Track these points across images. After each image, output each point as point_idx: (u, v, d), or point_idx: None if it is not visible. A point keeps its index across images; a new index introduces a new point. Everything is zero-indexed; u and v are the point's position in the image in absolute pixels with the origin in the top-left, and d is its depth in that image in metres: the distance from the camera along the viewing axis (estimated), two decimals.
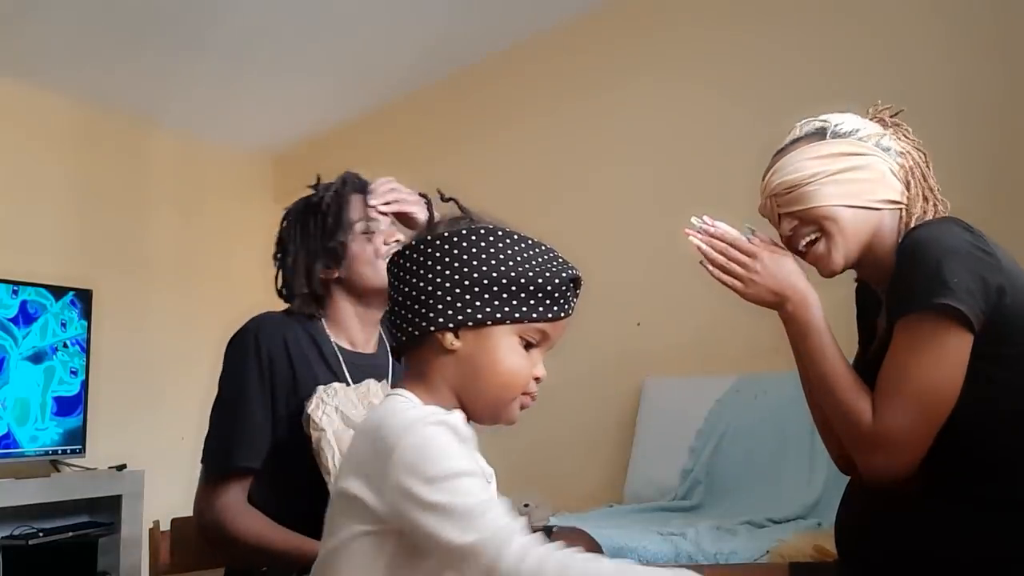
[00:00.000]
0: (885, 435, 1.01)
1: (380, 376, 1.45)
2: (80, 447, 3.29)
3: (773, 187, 1.18)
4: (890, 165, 1.14)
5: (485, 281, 0.89)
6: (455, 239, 0.92)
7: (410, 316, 0.91)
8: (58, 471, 3.23)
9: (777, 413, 2.25)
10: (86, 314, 3.40)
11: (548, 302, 0.91)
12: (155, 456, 3.28)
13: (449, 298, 0.89)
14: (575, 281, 0.95)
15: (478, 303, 0.89)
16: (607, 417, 2.89)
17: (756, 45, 2.67)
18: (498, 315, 0.89)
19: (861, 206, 1.13)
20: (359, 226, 1.50)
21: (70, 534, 3.10)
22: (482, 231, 0.95)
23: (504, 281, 0.90)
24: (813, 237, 1.15)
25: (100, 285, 3.50)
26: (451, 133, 3.65)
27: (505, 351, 0.90)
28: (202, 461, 1.31)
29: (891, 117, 1.21)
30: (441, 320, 0.88)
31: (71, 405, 3.30)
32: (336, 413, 1.39)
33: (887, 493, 1.05)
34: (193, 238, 3.96)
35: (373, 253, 1.48)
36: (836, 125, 1.17)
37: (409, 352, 0.94)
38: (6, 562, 2.91)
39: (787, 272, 1.16)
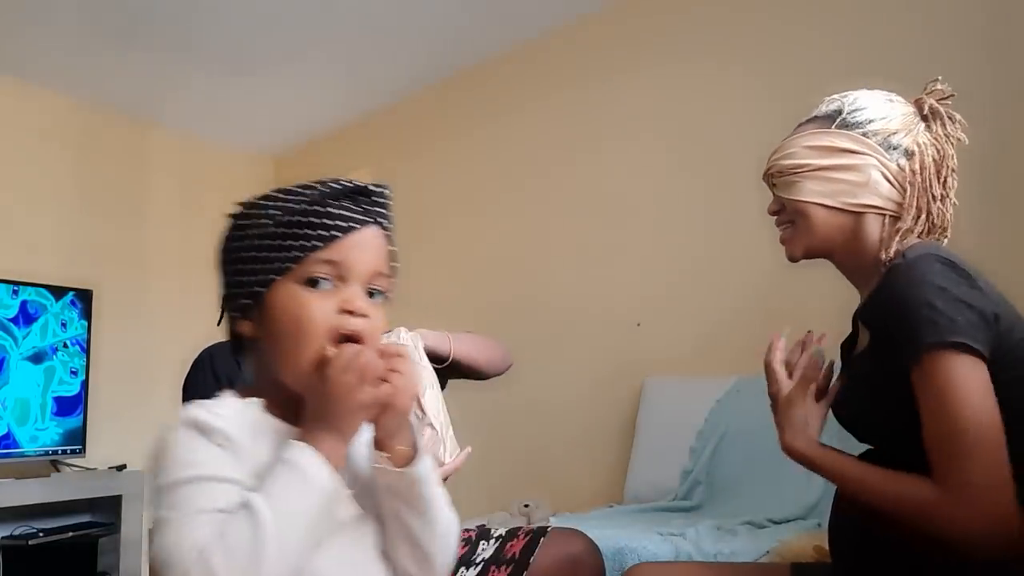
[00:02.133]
0: (968, 495, 0.92)
1: None
2: (80, 447, 3.30)
3: (768, 165, 1.21)
4: (886, 168, 1.12)
5: (237, 254, 0.87)
6: (224, 232, 0.90)
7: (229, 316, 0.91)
8: (58, 471, 3.24)
9: None
10: (86, 314, 3.40)
11: (309, 232, 0.83)
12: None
13: (226, 289, 0.88)
14: (347, 193, 0.87)
15: (239, 277, 0.86)
16: (607, 417, 2.88)
17: (763, 46, 2.66)
18: (257, 277, 0.84)
19: (835, 207, 1.13)
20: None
21: (70, 534, 3.10)
22: (231, 215, 0.90)
23: (250, 243, 0.85)
24: (787, 223, 1.20)
25: (100, 285, 3.50)
26: (452, 133, 3.65)
27: (285, 305, 0.83)
28: None
29: (941, 101, 1.17)
30: (229, 308, 0.88)
31: (71, 405, 3.30)
32: None
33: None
34: (193, 238, 3.96)
35: None
36: (851, 112, 1.15)
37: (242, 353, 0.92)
38: (6, 562, 2.92)
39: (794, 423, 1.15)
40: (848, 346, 1.23)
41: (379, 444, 0.85)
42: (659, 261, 2.85)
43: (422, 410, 1.41)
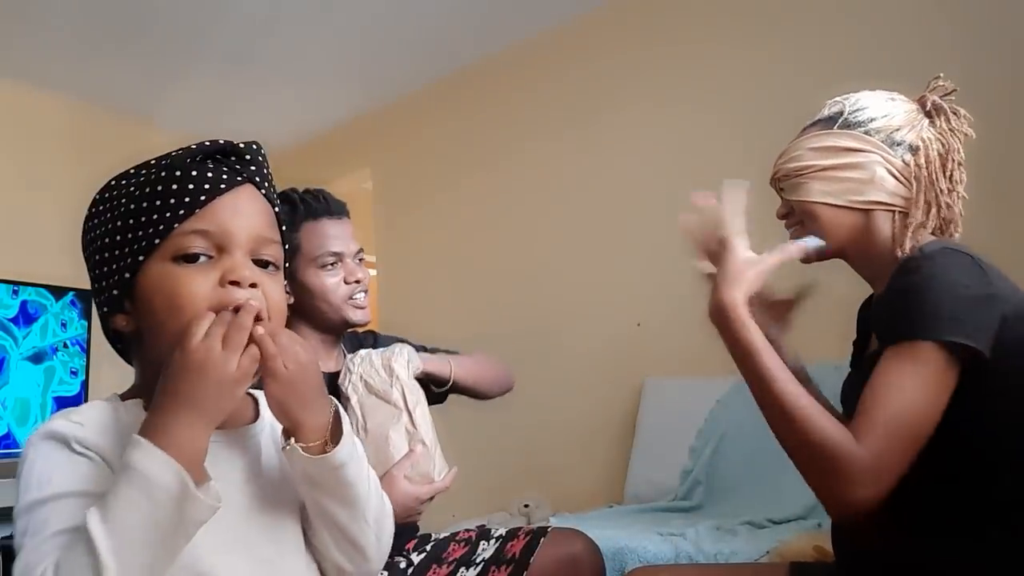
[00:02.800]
0: (871, 465, 0.92)
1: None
2: None
3: (775, 169, 1.21)
4: (891, 164, 1.12)
5: (98, 243, 0.79)
6: (84, 222, 0.84)
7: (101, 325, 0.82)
8: None
9: None
10: (86, 314, 3.40)
11: (171, 201, 0.74)
12: None
13: (94, 285, 0.81)
14: (209, 154, 0.77)
15: (104, 268, 0.78)
16: (607, 417, 2.88)
17: (764, 46, 2.66)
18: (122, 262, 0.76)
19: (842, 205, 1.14)
20: (319, 259, 1.47)
21: None
22: (94, 199, 0.84)
23: (110, 227, 0.77)
24: (797, 225, 1.20)
25: None
26: (453, 133, 3.65)
27: (157, 285, 0.74)
28: None
29: (944, 97, 1.17)
30: (100, 306, 0.80)
31: (71, 405, 3.29)
32: (360, 381, 1.41)
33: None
34: None
35: (329, 288, 1.46)
36: (852, 112, 1.15)
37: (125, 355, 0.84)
38: (6, 562, 2.91)
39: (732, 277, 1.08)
40: (860, 343, 1.23)
41: (288, 428, 0.76)
42: (659, 261, 2.85)
43: (414, 425, 1.41)
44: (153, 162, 0.79)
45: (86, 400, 3.32)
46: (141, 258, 0.75)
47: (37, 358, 3.23)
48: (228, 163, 0.78)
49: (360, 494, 0.79)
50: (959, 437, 0.97)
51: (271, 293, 0.76)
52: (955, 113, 1.16)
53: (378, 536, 0.82)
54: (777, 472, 2.18)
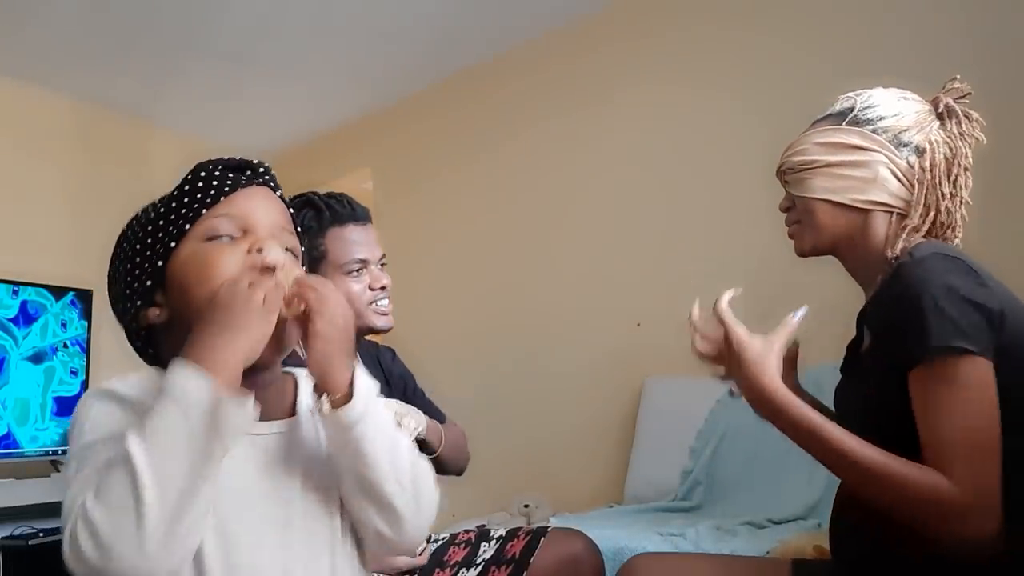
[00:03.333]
0: (974, 495, 0.91)
1: None
2: None
3: (781, 161, 1.21)
4: (895, 166, 1.12)
5: (128, 251, 0.87)
6: (114, 246, 0.93)
7: (126, 331, 0.89)
8: (58, 471, 3.23)
9: None
10: (86, 314, 3.40)
11: (198, 194, 0.83)
12: None
13: (125, 290, 0.87)
14: (229, 166, 0.87)
15: (136, 270, 0.85)
16: (607, 417, 2.89)
17: (765, 46, 2.66)
18: (155, 254, 0.83)
19: (843, 203, 1.13)
20: (346, 266, 1.48)
21: None
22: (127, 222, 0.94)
23: (140, 232, 0.86)
24: (797, 220, 1.20)
25: (100, 285, 3.48)
26: (453, 133, 3.65)
27: (189, 261, 0.81)
28: None
29: (958, 100, 1.16)
30: (130, 308, 0.86)
31: (71, 405, 3.29)
32: None
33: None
34: None
35: (354, 294, 1.46)
36: (863, 108, 1.15)
37: (155, 360, 0.90)
38: (6, 562, 2.91)
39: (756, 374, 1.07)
40: (853, 347, 1.23)
41: (317, 385, 0.80)
42: (659, 261, 2.85)
43: None
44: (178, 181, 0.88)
45: None
46: (173, 244, 0.82)
47: (37, 358, 3.23)
48: (245, 170, 0.88)
49: (384, 451, 0.81)
50: None
51: (293, 276, 0.81)
52: (967, 117, 1.15)
53: (416, 500, 0.83)
54: (777, 472, 2.19)
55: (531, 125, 3.31)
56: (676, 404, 2.61)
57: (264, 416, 0.80)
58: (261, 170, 0.89)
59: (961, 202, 1.13)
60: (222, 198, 0.83)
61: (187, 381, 0.70)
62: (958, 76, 1.19)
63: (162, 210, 0.85)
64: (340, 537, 0.84)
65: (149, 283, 0.84)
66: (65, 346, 3.32)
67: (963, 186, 1.13)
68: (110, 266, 0.91)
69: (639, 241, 2.91)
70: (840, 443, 0.99)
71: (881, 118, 1.14)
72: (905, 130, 1.13)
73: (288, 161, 4.43)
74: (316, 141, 4.28)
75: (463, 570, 1.46)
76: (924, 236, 1.11)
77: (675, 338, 2.71)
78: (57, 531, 3.23)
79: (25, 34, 3.15)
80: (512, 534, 1.52)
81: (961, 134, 1.14)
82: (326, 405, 0.79)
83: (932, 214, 1.11)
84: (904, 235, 1.11)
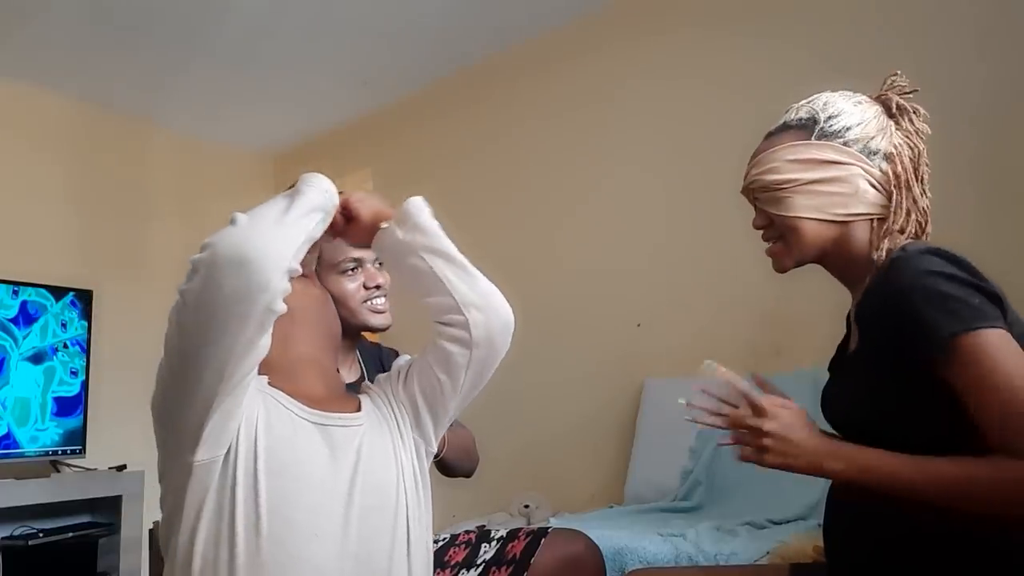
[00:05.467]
0: None
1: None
2: (80, 447, 3.29)
3: (750, 180, 1.19)
4: (871, 175, 1.12)
5: None
6: None
7: None
8: (58, 471, 3.23)
9: None
10: (86, 314, 3.40)
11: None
12: (155, 456, 3.27)
13: None
14: None
15: None
16: (607, 417, 2.88)
17: (766, 45, 2.66)
18: None
19: (827, 219, 1.13)
20: (339, 265, 1.49)
21: (70, 534, 3.10)
22: None
23: None
24: (779, 237, 1.18)
25: (100, 285, 3.50)
26: (453, 133, 3.65)
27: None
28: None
29: (903, 96, 1.16)
30: None
31: (71, 405, 3.30)
32: None
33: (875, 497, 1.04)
34: (193, 238, 3.94)
35: (348, 293, 1.47)
36: (828, 120, 1.14)
37: None
38: (6, 562, 2.91)
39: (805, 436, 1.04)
40: (842, 346, 1.23)
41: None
42: (659, 261, 2.85)
43: None
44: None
45: (86, 401, 3.32)
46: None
47: (37, 358, 3.23)
48: None
49: (455, 252, 1.14)
50: (954, 426, 0.97)
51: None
52: (916, 112, 1.16)
53: (487, 309, 1.13)
54: (777, 473, 2.18)
55: (531, 125, 3.31)
56: (676, 404, 2.61)
57: (336, 406, 1.02)
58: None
59: (926, 196, 1.14)
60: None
61: (314, 185, 1.07)
62: (899, 71, 1.19)
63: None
64: (402, 538, 0.96)
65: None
66: (65, 346, 3.32)
67: (927, 181, 1.14)
68: None
69: (639, 241, 2.91)
70: (904, 476, 0.96)
71: (848, 128, 1.13)
72: (873, 138, 1.13)
73: (288, 161, 4.43)
74: (316, 141, 4.28)
75: (463, 571, 1.45)
76: (904, 235, 1.12)
77: (675, 338, 2.74)
78: (56, 531, 3.26)
79: (25, 34, 3.15)
80: (513, 535, 1.51)
81: (916, 131, 1.15)
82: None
83: (913, 215, 1.12)
84: (888, 238, 1.11)
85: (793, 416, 1.06)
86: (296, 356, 1.06)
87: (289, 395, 0.99)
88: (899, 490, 0.97)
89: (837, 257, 1.16)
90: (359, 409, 1.07)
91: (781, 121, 1.20)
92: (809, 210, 1.13)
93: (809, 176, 1.12)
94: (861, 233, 1.13)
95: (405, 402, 1.10)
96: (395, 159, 3.90)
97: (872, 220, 1.13)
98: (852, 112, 1.15)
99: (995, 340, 0.94)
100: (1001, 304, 0.98)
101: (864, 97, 1.18)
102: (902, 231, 1.12)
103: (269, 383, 0.99)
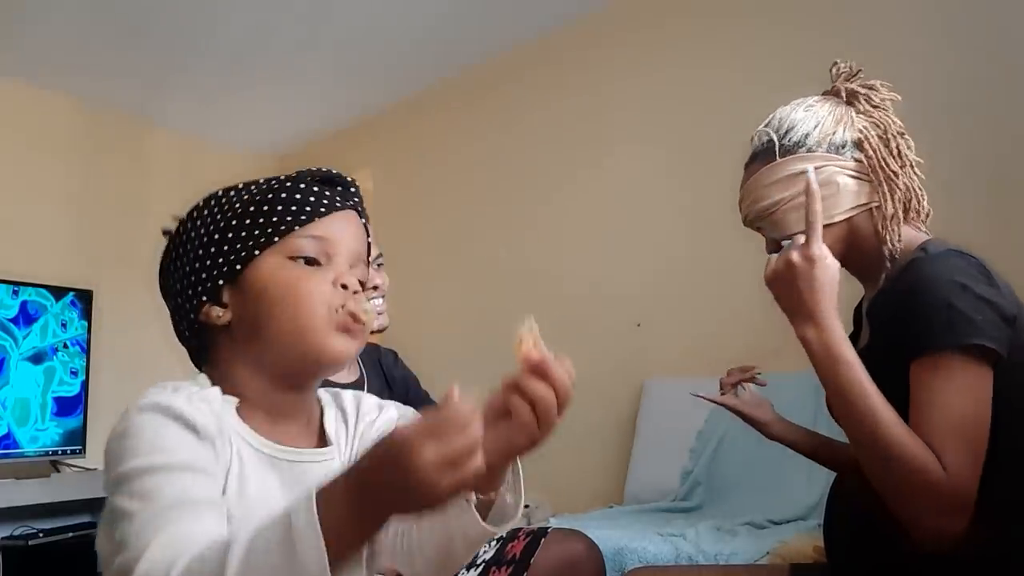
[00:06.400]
0: (963, 490, 0.91)
1: None
2: (80, 447, 3.29)
3: (745, 213, 1.21)
4: (846, 169, 1.12)
5: (203, 239, 0.82)
6: (177, 227, 0.87)
7: (175, 318, 0.85)
8: (58, 471, 3.23)
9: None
10: (86, 314, 3.40)
11: (292, 208, 0.80)
12: None
13: (189, 278, 0.82)
14: (322, 179, 0.85)
15: (207, 261, 0.81)
16: (607, 418, 2.88)
17: (767, 45, 2.66)
18: (234, 255, 0.79)
19: (825, 224, 1.13)
20: None
21: (70, 534, 3.10)
22: (195, 205, 0.88)
23: (221, 224, 0.81)
24: None
25: (100, 285, 3.50)
26: (452, 133, 3.65)
27: (274, 276, 0.78)
28: None
29: (851, 78, 1.17)
30: (191, 298, 0.81)
31: (71, 405, 3.30)
32: None
33: (875, 493, 1.04)
34: None
35: None
36: (784, 137, 1.15)
37: (200, 353, 0.85)
38: (6, 562, 2.91)
39: (822, 284, 1.03)
40: (851, 341, 1.23)
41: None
42: (659, 261, 2.85)
43: None
44: (263, 181, 0.85)
45: (86, 401, 3.32)
46: (257, 252, 0.79)
47: (37, 358, 3.23)
48: (336, 191, 0.85)
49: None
50: None
51: (370, 304, 0.84)
52: (872, 88, 1.16)
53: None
54: (777, 473, 2.19)
55: (531, 125, 3.31)
56: (676, 405, 2.60)
57: (296, 439, 0.80)
58: (352, 190, 0.87)
59: (912, 166, 1.14)
60: (316, 218, 0.81)
61: (308, 546, 0.58)
62: (837, 60, 1.20)
63: (251, 209, 0.81)
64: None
65: (221, 282, 0.80)
66: (65, 346, 3.32)
67: (907, 152, 1.13)
68: (172, 246, 0.86)
69: (640, 241, 2.91)
70: (875, 402, 0.97)
71: (806, 135, 1.14)
72: (833, 133, 1.13)
73: (288, 161, 4.43)
74: (316, 141, 4.28)
75: (463, 570, 1.45)
76: (904, 215, 1.12)
77: (675, 338, 2.74)
78: (56, 531, 3.25)
79: (26, 34, 3.14)
80: (512, 535, 1.51)
81: (876, 106, 1.15)
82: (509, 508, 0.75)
83: (898, 194, 1.12)
84: (892, 224, 1.11)
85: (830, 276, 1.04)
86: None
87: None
88: (843, 398, 0.99)
89: (852, 254, 1.16)
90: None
91: (751, 152, 1.22)
92: (801, 223, 1.13)
93: (790, 193, 1.13)
94: (864, 224, 1.14)
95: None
96: (395, 159, 3.90)
97: (871, 210, 1.13)
98: (805, 119, 1.15)
99: (971, 367, 0.95)
100: (1013, 322, 0.98)
101: (815, 98, 1.19)
102: (904, 212, 1.12)
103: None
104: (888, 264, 1.11)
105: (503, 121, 3.43)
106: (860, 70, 1.18)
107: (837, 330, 1.02)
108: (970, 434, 0.94)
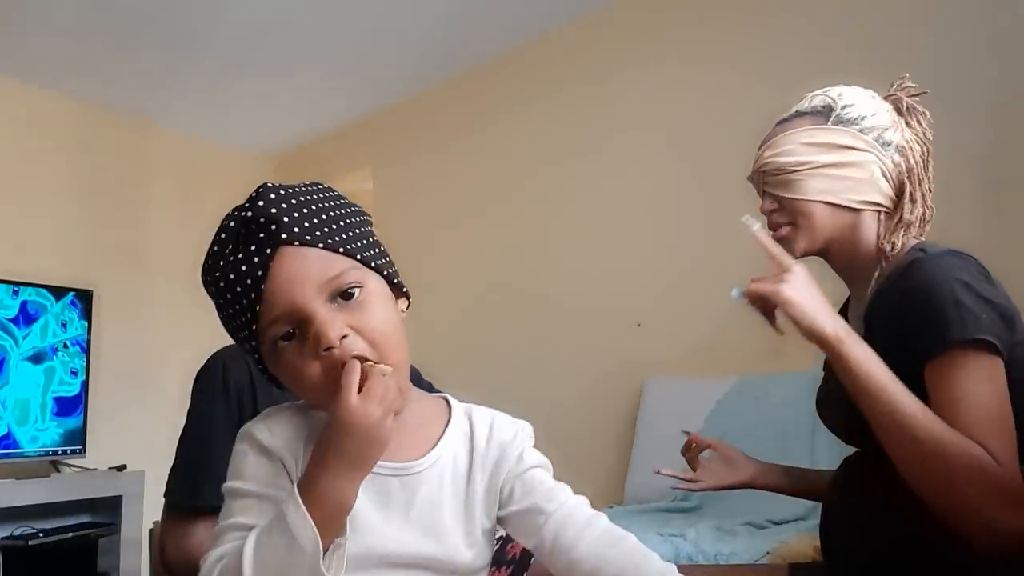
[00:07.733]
0: (1017, 480, 0.90)
1: None
2: (80, 447, 3.30)
3: (763, 163, 1.19)
4: (884, 164, 1.13)
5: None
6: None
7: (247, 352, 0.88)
8: (58, 471, 3.24)
9: (777, 414, 2.25)
10: (86, 314, 3.40)
11: (237, 307, 0.78)
12: (155, 457, 3.27)
13: (229, 313, 0.83)
14: (244, 224, 0.77)
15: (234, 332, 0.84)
16: (607, 418, 2.88)
17: (767, 45, 2.66)
18: (244, 345, 0.82)
19: (839, 204, 1.13)
20: None
21: (70, 534, 3.10)
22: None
23: (220, 311, 0.82)
24: (786, 224, 1.18)
25: (100, 285, 3.50)
26: (452, 133, 3.65)
27: (276, 366, 0.80)
28: (165, 495, 1.25)
29: (911, 97, 1.18)
30: (241, 337, 0.84)
31: (71, 405, 3.30)
32: None
33: (872, 495, 1.03)
34: (193, 238, 3.94)
35: None
36: (844, 108, 1.15)
37: None
38: (6, 562, 2.91)
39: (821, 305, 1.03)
40: (826, 381, 1.23)
41: None
42: (659, 261, 2.85)
43: None
44: (209, 255, 0.81)
45: (86, 401, 3.32)
46: (254, 342, 0.81)
47: (37, 358, 3.23)
48: (256, 238, 0.77)
49: None
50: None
51: (367, 322, 0.78)
52: (923, 115, 1.18)
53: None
54: None
55: (531, 125, 3.31)
56: (676, 404, 2.61)
57: (397, 453, 0.81)
58: (263, 220, 0.77)
59: (931, 187, 1.16)
60: (258, 306, 0.76)
61: (297, 523, 0.71)
62: (907, 74, 1.20)
63: (220, 302, 0.80)
64: None
65: (249, 337, 0.81)
66: (65, 346, 3.32)
67: (932, 181, 1.16)
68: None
69: (639, 241, 2.91)
70: (901, 397, 0.96)
71: (863, 117, 1.14)
72: (886, 129, 1.14)
73: (288, 161, 4.43)
74: (316, 141, 4.28)
75: None
76: (916, 228, 1.13)
77: (675, 338, 2.74)
78: (57, 531, 3.25)
79: (25, 34, 3.15)
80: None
81: (924, 131, 1.17)
82: None
83: (920, 209, 1.13)
84: (901, 232, 1.12)
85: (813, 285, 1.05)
86: None
87: None
88: (868, 391, 0.97)
89: (845, 247, 1.16)
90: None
91: (793, 110, 1.21)
92: (821, 193, 1.13)
93: (824, 159, 1.13)
94: (869, 225, 1.14)
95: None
96: (395, 159, 3.90)
97: (880, 212, 1.14)
98: (867, 103, 1.16)
99: (987, 363, 0.95)
100: (1012, 322, 0.99)
101: (875, 93, 1.19)
102: (911, 225, 1.12)
103: None
104: (883, 263, 1.11)
105: (503, 121, 3.43)
106: (925, 92, 1.19)
107: (848, 330, 1.02)
108: (1008, 425, 0.94)
